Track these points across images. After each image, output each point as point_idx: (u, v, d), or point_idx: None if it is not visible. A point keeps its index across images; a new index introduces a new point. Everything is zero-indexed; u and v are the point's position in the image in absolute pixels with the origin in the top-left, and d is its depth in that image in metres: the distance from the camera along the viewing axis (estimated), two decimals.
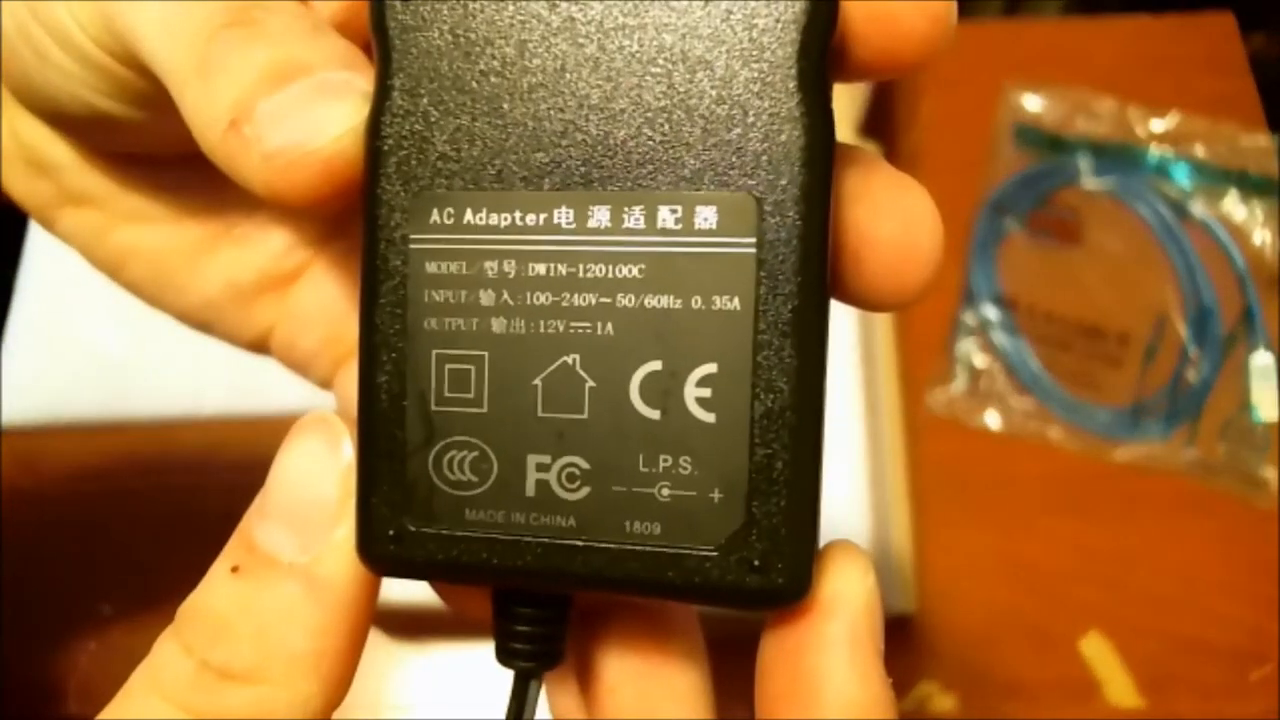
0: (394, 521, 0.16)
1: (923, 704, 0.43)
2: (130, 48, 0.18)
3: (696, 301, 0.15)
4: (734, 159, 0.15)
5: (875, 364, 0.48)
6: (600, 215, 0.15)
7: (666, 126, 0.15)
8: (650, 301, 0.15)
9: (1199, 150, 0.52)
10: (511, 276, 0.15)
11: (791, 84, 0.14)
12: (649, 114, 0.15)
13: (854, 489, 0.44)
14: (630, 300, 0.15)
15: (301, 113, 0.16)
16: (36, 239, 0.51)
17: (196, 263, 0.23)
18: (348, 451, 0.16)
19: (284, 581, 0.16)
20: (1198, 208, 0.52)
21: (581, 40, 0.15)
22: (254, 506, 0.17)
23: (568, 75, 0.15)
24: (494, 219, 0.15)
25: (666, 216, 0.15)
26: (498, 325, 0.15)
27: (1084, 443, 0.48)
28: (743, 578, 0.15)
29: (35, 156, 0.22)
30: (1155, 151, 0.53)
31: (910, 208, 0.16)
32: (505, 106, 0.15)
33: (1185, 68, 0.55)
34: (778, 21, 0.14)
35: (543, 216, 0.15)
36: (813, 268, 0.15)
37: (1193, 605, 0.45)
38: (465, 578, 0.16)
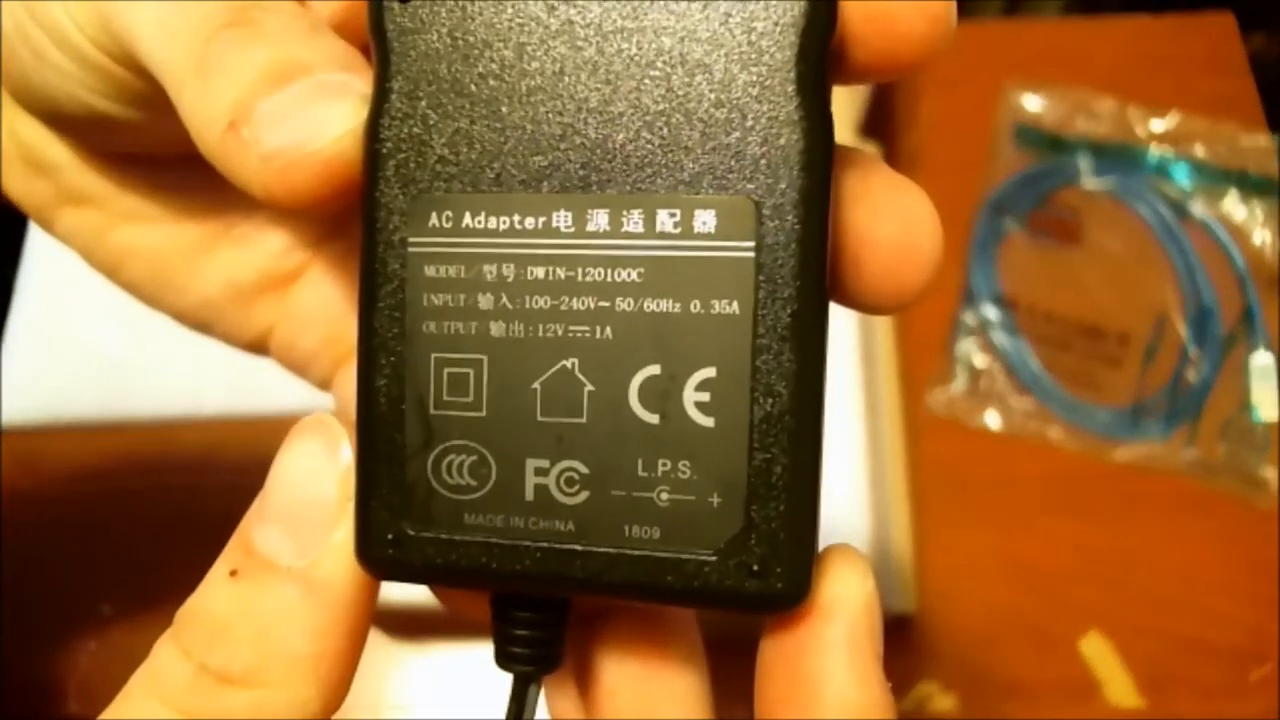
0: (393, 525, 0.16)
1: (923, 704, 0.43)
2: (128, 48, 0.18)
3: (695, 305, 0.15)
4: (733, 162, 0.15)
5: (875, 364, 0.47)
6: (599, 219, 0.15)
7: (665, 130, 0.15)
8: (649, 305, 0.15)
9: (1199, 150, 0.52)
10: (510, 280, 0.15)
11: (790, 87, 0.14)
12: (648, 117, 0.15)
13: (854, 489, 0.44)
14: (629, 304, 0.15)
15: (300, 114, 0.16)
16: (36, 239, 0.51)
17: (195, 263, 0.23)
18: (346, 454, 0.16)
19: (282, 585, 0.16)
20: (1198, 208, 0.52)
21: (580, 43, 0.15)
22: (252, 509, 0.17)
23: (566, 78, 0.15)
24: (493, 222, 0.15)
25: (665, 220, 0.15)
26: (496, 329, 0.15)
27: (1084, 443, 0.48)
28: (742, 582, 0.15)
29: (34, 156, 0.22)
30: (1155, 151, 0.53)
31: (909, 210, 0.16)
32: (504, 109, 0.15)
33: (1185, 68, 0.55)
34: (776, 25, 0.14)
35: (541, 220, 0.15)
36: (812, 271, 0.14)
37: (1193, 605, 0.45)
38: (464, 582, 0.16)
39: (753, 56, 0.15)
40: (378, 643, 0.44)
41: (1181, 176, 0.52)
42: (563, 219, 0.15)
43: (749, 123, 0.15)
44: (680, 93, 0.15)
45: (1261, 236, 0.51)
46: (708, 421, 0.15)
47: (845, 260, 0.16)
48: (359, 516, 0.16)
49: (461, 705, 0.43)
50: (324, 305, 0.23)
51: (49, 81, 0.20)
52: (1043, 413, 0.49)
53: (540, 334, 0.15)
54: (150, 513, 0.48)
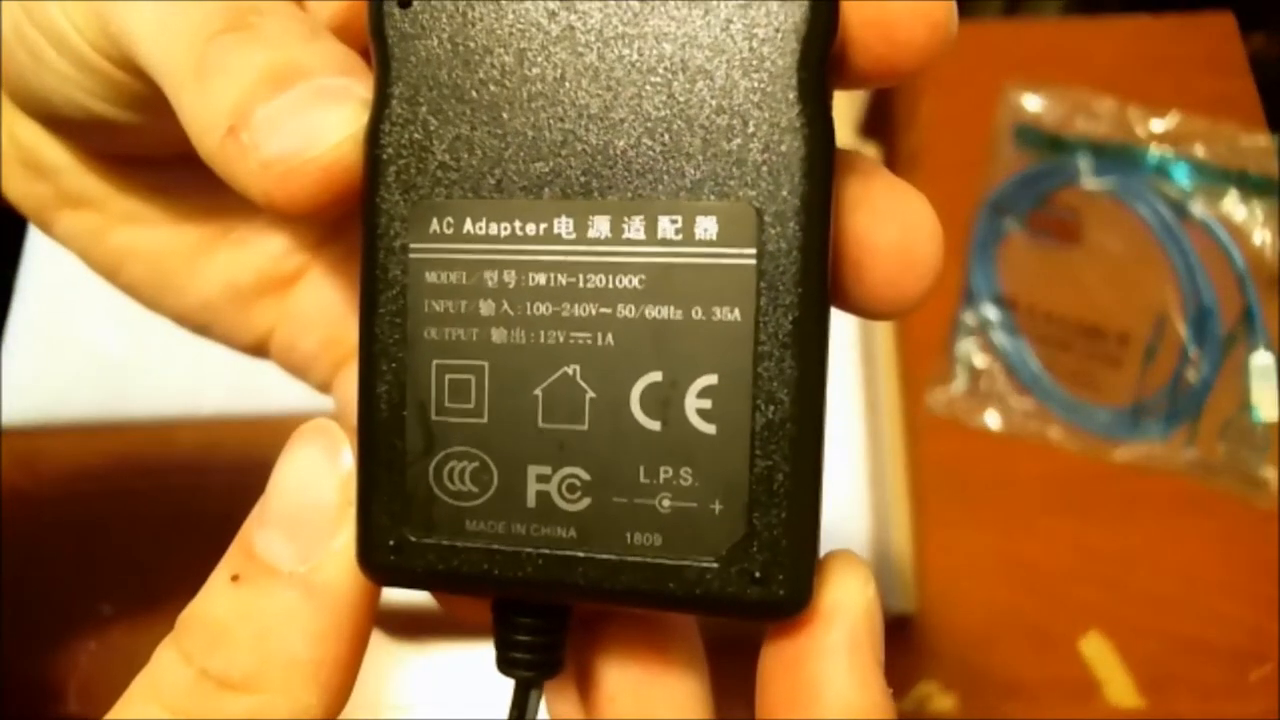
0: (394, 531, 0.16)
1: (922, 704, 0.43)
2: (126, 51, 0.18)
3: (697, 312, 0.15)
4: (734, 169, 0.15)
5: (875, 364, 0.47)
6: (600, 225, 0.15)
7: (666, 136, 0.15)
8: (651, 312, 0.15)
9: (1199, 150, 0.52)
10: (511, 286, 0.15)
11: (792, 94, 0.14)
12: (649, 124, 0.15)
13: (854, 489, 0.44)
14: (630, 311, 0.15)
15: (299, 119, 0.16)
16: (36, 239, 0.51)
17: (195, 265, 0.23)
18: (347, 459, 0.16)
19: (283, 590, 0.16)
20: (1198, 208, 0.52)
21: (581, 49, 0.15)
22: (253, 514, 0.17)
23: (567, 84, 0.15)
24: (494, 228, 0.15)
25: (667, 227, 0.15)
26: (498, 335, 0.15)
27: (1084, 443, 0.48)
28: (744, 589, 0.15)
29: (32, 159, 0.22)
30: (1155, 151, 0.53)
31: (910, 215, 0.16)
32: (505, 115, 0.15)
33: (1185, 68, 0.55)
34: (778, 31, 0.14)
35: (543, 226, 0.15)
36: (813, 278, 0.14)
37: (1193, 605, 0.45)
38: (465, 589, 0.16)
39: (754, 63, 0.15)
40: (378, 643, 0.44)
41: (1181, 176, 0.52)
42: (564, 225, 0.15)
43: (750, 129, 0.15)
44: (681, 99, 0.15)
45: (1261, 236, 0.51)
46: (709, 428, 0.15)
47: (846, 266, 0.16)
48: (360, 522, 0.16)
49: (461, 705, 0.43)
50: (324, 307, 0.23)
51: (47, 84, 0.20)
52: (1043, 413, 0.49)
53: (541, 340, 0.15)
54: (150, 513, 0.48)
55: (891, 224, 0.16)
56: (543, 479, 0.15)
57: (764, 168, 0.14)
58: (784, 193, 0.14)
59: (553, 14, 0.15)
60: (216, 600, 0.16)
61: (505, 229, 0.15)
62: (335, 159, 0.16)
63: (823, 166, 0.15)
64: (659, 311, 0.15)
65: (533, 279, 0.15)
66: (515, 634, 0.17)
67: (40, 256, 0.51)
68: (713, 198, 0.15)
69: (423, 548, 0.16)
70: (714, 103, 0.15)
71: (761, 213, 0.14)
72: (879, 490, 0.45)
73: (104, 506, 0.47)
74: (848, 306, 0.16)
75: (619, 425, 0.15)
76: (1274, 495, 0.47)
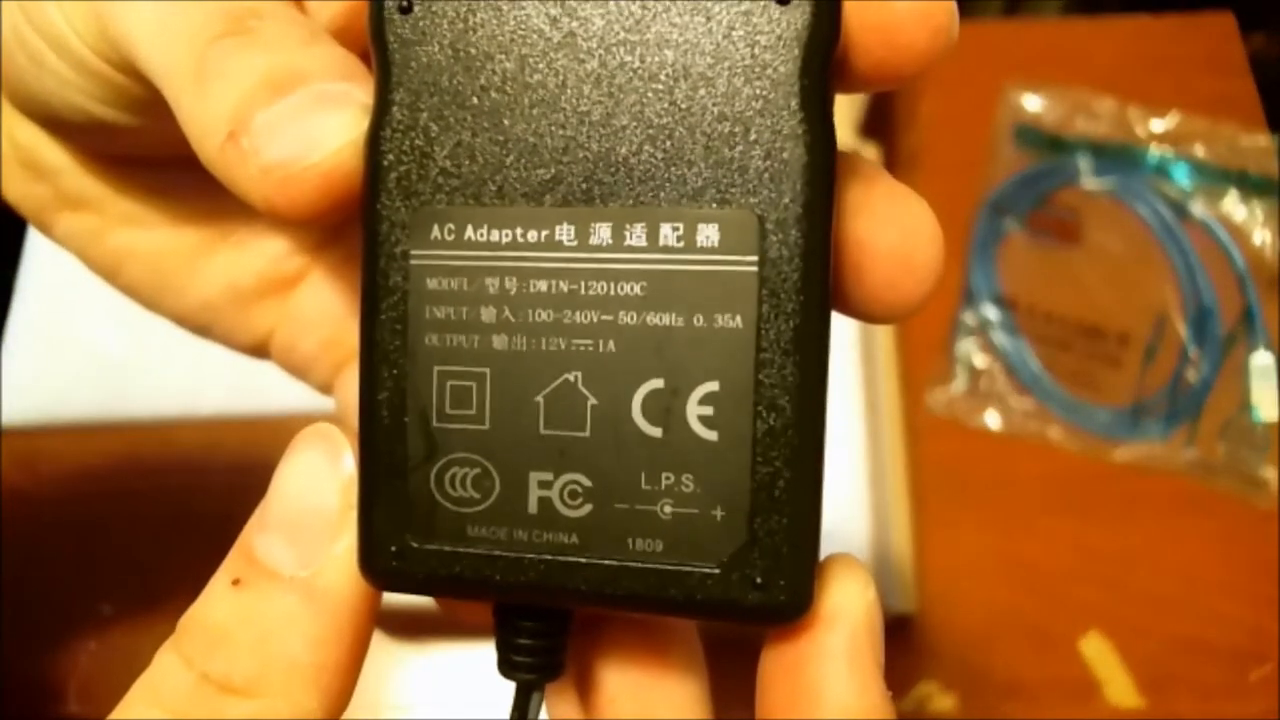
0: (396, 537, 0.16)
1: (922, 704, 0.44)
2: (126, 54, 0.18)
3: (698, 319, 0.15)
4: (736, 176, 0.15)
5: (875, 364, 0.47)
6: (602, 232, 0.15)
7: (668, 143, 0.15)
8: (652, 319, 0.15)
9: (1199, 150, 0.52)
10: (513, 293, 0.15)
11: (794, 101, 0.14)
12: (651, 130, 0.15)
13: (854, 489, 0.44)
14: (632, 318, 0.15)
15: (299, 124, 0.16)
16: (36, 240, 0.51)
17: (194, 266, 0.23)
18: (348, 464, 0.16)
19: (284, 594, 0.16)
20: (1198, 208, 0.52)
21: (583, 55, 0.15)
22: (254, 518, 0.17)
23: (569, 90, 0.15)
24: (495, 235, 0.15)
25: (668, 234, 0.15)
26: (499, 342, 0.15)
27: (1084, 443, 0.48)
28: (745, 595, 0.15)
29: (32, 160, 0.22)
30: (1155, 151, 0.53)
31: (910, 219, 0.16)
32: (506, 122, 0.15)
33: (1185, 68, 0.55)
34: (780, 38, 0.14)
35: (544, 233, 0.15)
36: (815, 286, 0.14)
37: (1193, 605, 0.45)
38: (467, 594, 0.16)
39: (756, 69, 0.15)
40: (378, 643, 0.44)
41: (1181, 176, 0.52)
42: (565, 232, 0.15)
43: (752, 136, 0.15)
44: (683, 106, 0.15)
45: (1261, 236, 0.51)
46: (711, 435, 0.15)
47: (846, 270, 0.16)
48: (362, 527, 0.16)
49: (461, 705, 0.43)
50: (324, 309, 0.23)
51: (47, 87, 0.20)
52: (1043, 413, 0.49)
53: (543, 347, 0.15)
54: (150, 513, 0.47)
55: (892, 228, 0.16)
56: (544, 485, 0.15)
57: (766, 175, 0.14)
58: (786, 200, 0.14)
59: (554, 20, 0.15)
60: (217, 604, 0.16)
61: (507, 235, 0.15)
62: (335, 165, 0.16)
63: (824, 173, 0.15)
64: (660, 318, 0.15)
65: (534, 286, 0.15)
66: (517, 637, 0.17)
67: (40, 257, 0.51)
68: (714, 205, 0.15)
69: (424, 553, 0.16)
70: (716, 109, 0.15)
71: (763, 220, 0.14)
72: (879, 490, 0.45)
73: (104, 506, 0.47)
74: (848, 310, 0.16)
75: (620, 432, 0.15)
76: (1274, 495, 0.47)
